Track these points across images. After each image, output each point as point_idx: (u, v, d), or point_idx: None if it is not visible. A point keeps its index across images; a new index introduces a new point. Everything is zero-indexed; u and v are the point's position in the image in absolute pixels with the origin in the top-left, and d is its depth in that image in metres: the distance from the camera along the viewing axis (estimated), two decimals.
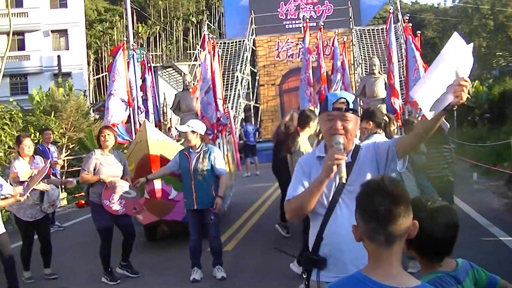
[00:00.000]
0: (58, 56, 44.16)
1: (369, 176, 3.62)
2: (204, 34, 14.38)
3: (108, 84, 13.50)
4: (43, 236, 9.33)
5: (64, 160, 24.01)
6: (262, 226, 12.04)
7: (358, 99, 18.45)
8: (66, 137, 25.15)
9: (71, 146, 25.04)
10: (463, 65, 3.32)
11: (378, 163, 3.76)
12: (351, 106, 3.74)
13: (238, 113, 30.33)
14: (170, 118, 28.19)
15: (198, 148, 8.63)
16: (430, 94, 3.35)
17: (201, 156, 8.62)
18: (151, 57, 17.79)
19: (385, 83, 15.21)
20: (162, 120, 20.64)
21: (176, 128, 8.83)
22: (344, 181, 3.53)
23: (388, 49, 14.04)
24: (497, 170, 16.65)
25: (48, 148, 13.85)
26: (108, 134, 8.84)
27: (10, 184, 8.26)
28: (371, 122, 7.11)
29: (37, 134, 23.38)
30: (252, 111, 33.54)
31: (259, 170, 22.43)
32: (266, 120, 33.03)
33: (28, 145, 9.14)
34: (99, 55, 59.67)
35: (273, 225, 11.01)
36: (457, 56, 3.37)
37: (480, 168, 18.08)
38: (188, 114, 15.31)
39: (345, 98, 3.74)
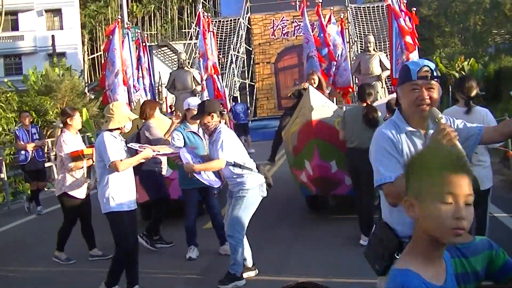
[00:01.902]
0: (52, 36, 43.92)
1: None
2: (199, 13, 14.32)
3: (107, 63, 13.37)
4: (87, 216, 9.18)
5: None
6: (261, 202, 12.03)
7: (353, 76, 18.48)
8: None
9: None
10: None
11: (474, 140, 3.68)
12: (435, 73, 3.58)
13: (234, 92, 30.27)
14: (166, 97, 28.18)
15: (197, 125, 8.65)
16: None
17: (201, 132, 8.66)
18: (146, 36, 17.69)
19: (380, 60, 15.18)
20: (157, 99, 20.64)
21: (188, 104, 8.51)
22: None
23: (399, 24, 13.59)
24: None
25: (28, 131, 13.76)
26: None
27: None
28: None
29: (33, 113, 23.43)
30: (248, 89, 33.48)
31: (253, 148, 22.40)
32: (262, 98, 33.01)
33: (78, 117, 9.09)
34: (94, 34, 59.37)
35: (266, 203, 11.07)
36: None
37: None
38: (183, 92, 15.29)
39: (428, 66, 3.57)
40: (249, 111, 26.98)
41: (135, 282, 6.94)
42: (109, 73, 13.11)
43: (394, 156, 3.57)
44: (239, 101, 28.19)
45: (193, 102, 8.71)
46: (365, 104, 8.70)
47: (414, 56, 11.96)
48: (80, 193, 8.86)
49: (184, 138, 8.37)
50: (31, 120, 15.04)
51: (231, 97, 28.38)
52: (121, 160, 6.73)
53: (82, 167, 8.80)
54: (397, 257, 3.36)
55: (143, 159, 7.04)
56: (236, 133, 8.75)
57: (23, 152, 13.56)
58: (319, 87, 11.27)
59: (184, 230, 8.74)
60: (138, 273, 7.04)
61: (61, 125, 8.86)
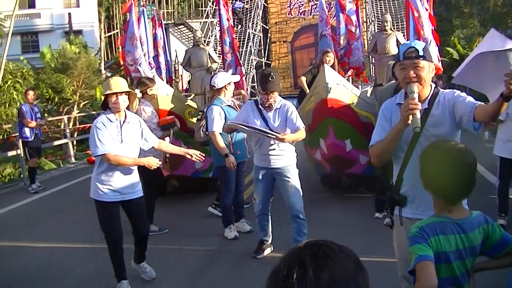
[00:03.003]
0: (69, 14, 43.94)
1: (447, 125, 3.93)
2: None
3: (127, 38, 13.28)
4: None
5: (75, 117, 24.16)
6: None
7: (370, 56, 18.36)
8: (78, 94, 25.22)
9: (82, 104, 25.09)
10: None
11: (455, 116, 3.93)
12: (420, 53, 3.93)
13: (250, 70, 30.21)
14: (181, 75, 28.14)
15: (230, 99, 8.69)
16: (472, 78, 3.56)
17: (237, 105, 8.74)
18: (162, 13, 17.66)
19: (397, 40, 15.07)
20: (173, 77, 20.60)
21: (218, 79, 8.45)
22: (418, 130, 3.72)
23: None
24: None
25: (32, 108, 13.85)
26: None
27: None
28: None
29: (49, 90, 23.53)
30: (264, 68, 33.37)
31: None
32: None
33: (156, 88, 9.42)
34: (110, 12, 59.20)
35: None
36: (499, 48, 3.50)
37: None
38: (199, 70, 15.25)
39: (414, 47, 3.95)
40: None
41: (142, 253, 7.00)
42: (133, 47, 13.03)
43: (382, 124, 4.16)
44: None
45: (231, 78, 8.77)
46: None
47: (428, 37, 11.90)
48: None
49: (225, 113, 8.33)
50: (36, 97, 15.06)
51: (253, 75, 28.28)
52: (115, 154, 6.27)
53: (169, 135, 9.07)
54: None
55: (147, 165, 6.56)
56: None
57: (27, 129, 13.66)
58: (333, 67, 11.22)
59: (221, 208, 8.81)
60: (145, 246, 6.93)
61: (140, 95, 8.84)
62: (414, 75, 3.92)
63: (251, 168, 7.77)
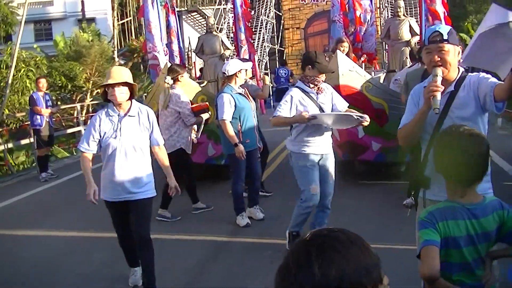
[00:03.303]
0: (82, 1, 43.94)
1: (472, 107, 3.99)
2: None
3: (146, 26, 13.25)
4: (190, 170, 9.48)
5: (88, 105, 24.22)
6: (286, 167, 12.02)
7: (383, 42, 18.26)
8: (91, 82, 25.27)
9: (95, 91, 25.14)
10: None
11: (480, 97, 3.99)
12: (445, 37, 3.99)
13: (263, 57, 30.16)
14: (194, 62, 28.13)
15: (241, 87, 8.63)
16: (480, 57, 3.58)
17: (248, 93, 8.67)
18: (174, 1, 17.61)
19: (410, 26, 15.00)
20: (187, 64, 20.59)
21: (229, 66, 8.42)
22: (437, 112, 3.83)
23: None
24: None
25: (43, 97, 13.89)
26: None
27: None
28: None
29: (62, 78, 23.58)
30: (277, 54, 33.31)
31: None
32: (291, 64, 32.78)
33: (186, 74, 9.65)
34: (123, 0, 59.34)
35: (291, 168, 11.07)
36: (502, 24, 3.51)
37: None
38: (212, 57, 15.25)
39: (438, 31, 4.01)
40: (292, 76, 26.70)
41: (148, 275, 6.14)
42: (151, 35, 12.99)
43: (410, 108, 4.24)
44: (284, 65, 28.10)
45: (243, 65, 8.71)
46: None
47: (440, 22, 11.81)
48: (189, 148, 9.15)
49: (234, 101, 8.29)
50: (48, 86, 15.09)
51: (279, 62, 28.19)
52: (88, 154, 6.02)
53: (201, 121, 9.22)
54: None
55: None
56: (276, 97, 8.89)
57: (38, 116, 13.70)
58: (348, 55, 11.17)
59: (233, 196, 8.75)
60: (150, 260, 6.12)
61: (171, 82, 9.03)
62: (439, 58, 3.98)
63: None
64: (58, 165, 15.92)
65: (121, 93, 5.82)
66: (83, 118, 22.08)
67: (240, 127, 8.31)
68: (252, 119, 8.47)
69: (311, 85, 6.89)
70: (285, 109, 6.89)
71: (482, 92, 3.94)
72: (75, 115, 22.25)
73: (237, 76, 8.41)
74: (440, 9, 12.14)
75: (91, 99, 25.23)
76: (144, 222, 6.10)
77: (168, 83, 8.98)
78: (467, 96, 4.01)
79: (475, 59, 3.74)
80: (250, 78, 10.35)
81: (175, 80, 9.11)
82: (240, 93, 8.42)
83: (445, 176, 3.15)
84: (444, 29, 4.07)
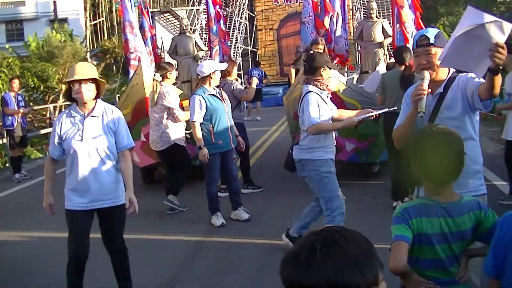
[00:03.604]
0: (54, 2, 43.60)
1: (459, 107, 4.13)
2: None
3: (126, 26, 13.25)
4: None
5: (61, 106, 24.09)
6: (260, 169, 12.11)
7: (356, 43, 18.41)
8: (63, 82, 25.12)
9: None
10: (495, 32, 3.54)
11: (468, 97, 4.11)
12: (432, 40, 4.15)
13: (236, 58, 30.19)
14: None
15: (216, 87, 8.63)
16: (457, 59, 3.71)
17: (224, 95, 8.71)
18: (148, 1, 17.61)
19: (383, 28, 15.15)
20: None
21: (204, 68, 8.45)
22: (421, 115, 3.98)
23: None
24: (493, 116, 16.59)
25: (15, 97, 13.85)
26: None
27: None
28: None
29: (35, 79, 23.43)
30: (250, 56, 33.39)
31: (259, 116, 22.21)
32: (264, 65, 32.89)
33: (175, 72, 9.76)
34: (96, 0, 59.00)
35: (268, 168, 11.19)
36: (478, 26, 3.63)
37: None
38: (185, 58, 15.30)
39: (425, 35, 4.18)
40: (266, 77, 26.70)
41: (128, 283, 5.88)
42: (132, 35, 13.04)
43: (404, 109, 4.38)
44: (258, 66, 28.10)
45: (218, 66, 8.77)
46: (403, 67, 8.62)
47: (410, 25, 12.05)
48: (181, 141, 9.32)
49: (205, 102, 8.31)
50: (21, 86, 15.03)
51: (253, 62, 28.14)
52: (53, 159, 5.60)
53: None
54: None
55: None
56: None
57: (10, 117, 13.66)
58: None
59: (207, 196, 8.76)
60: (127, 268, 5.86)
61: (160, 79, 9.19)
62: (426, 61, 4.15)
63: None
64: (32, 166, 15.83)
65: (88, 91, 5.31)
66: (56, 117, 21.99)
67: (212, 128, 8.33)
68: (225, 120, 8.48)
69: (325, 88, 6.64)
70: (323, 115, 6.43)
71: (469, 91, 4.06)
72: (48, 115, 22.12)
73: (211, 78, 8.40)
74: (408, 13, 12.35)
75: (64, 100, 25.08)
76: (119, 231, 5.68)
77: (157, 80, 9.12)
78: (455, 96, 4.14)
79: (452, 61, 3.86)
80: (235, 79, 10.41)
81: (164, 77, 9.27)
82: (213, 94, 8.43)
83: (421, 176, 3.22)
84: (432, 33, 4.22)
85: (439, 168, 3.08)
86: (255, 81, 10.57)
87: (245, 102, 23.86)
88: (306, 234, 1.70)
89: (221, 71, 8.82)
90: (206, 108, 8.28)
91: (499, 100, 8.92)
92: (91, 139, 5.37)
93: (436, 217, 3.09)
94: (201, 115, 8.26)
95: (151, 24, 17.20)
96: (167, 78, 9.36)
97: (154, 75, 9.17)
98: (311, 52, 8.00)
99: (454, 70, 4.30)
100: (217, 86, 8.65)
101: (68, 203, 5.49)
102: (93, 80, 5.36)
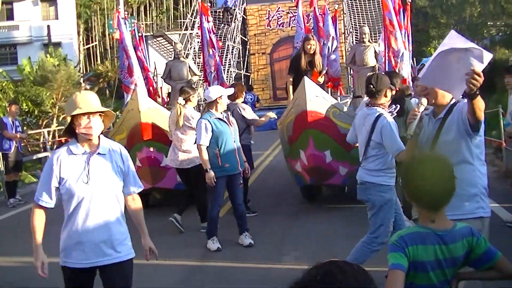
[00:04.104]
0: (48, 26, 43.92)
1: (454, 131, 4.36)
2: (199, 1, 14.41)
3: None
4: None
5: (55, 130, 24.10)
6: (255, 192, 12.14)
7: (348, 67, 18.54)
8: (57, 107, 25.16)
9: (62, 117, 25.03)
10: (474, 59, 3.71)
11: (463, 121, 4.29)
12: None
13: (229, 82, 30.32)
14: (161, 87, 28.15)
15: (224, 112, 8.72)
16: (437, 77, 3.90)
17: (231, 119, 8.78)
18: (141, 26, 17.74)
19: (375, 52, 15.27)
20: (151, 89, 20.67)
21: (210, 93, 8.61)
22: (409, 137, 4.34)
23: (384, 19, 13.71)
24: (485, 138, 16.69)
25: (13, 122, 13.92)
26: None
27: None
28: None
29: (29, 103, 23.47)
30: (243, 80, 33.54)
31: (253, 140, 22.19)
32: (257, 89, 33.00)
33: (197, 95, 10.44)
34: (89, 24, 59.15)
35: (262, 192, 11.24)
36: (460, 50, 3.75)
37: None
38: (180, 83, 15.32)
39: (424, 64, 4.32)
40: (257, 101, 26.75)
41: None
42: (132, 61, 13.24)
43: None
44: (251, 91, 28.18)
45: (224, 91, 8.84)
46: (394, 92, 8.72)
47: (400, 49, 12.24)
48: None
49: (211, 126, 8.42)
50: (18, 112, 15.07)
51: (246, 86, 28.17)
52: (42, 206, 4.67)
53: None
54: None
55: None
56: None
57: (8, 141, 13.71)
58: (314, 56, 11.41)
59: (207, 219, 8.83)
60: None
61: (183, 102, 9.65)
62: (425, 88, 4.44)
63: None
64: (25, 190, 15.81)
65: (98, 125, 4.52)
66: (50, 143, 22.01)
67: (218, 151, 8.43)
68: (232, 143, 8.54)
69: (387, 110, 6.53)
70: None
71: (464, 116, 4.24)
72: (42, 140, 22.15)
73: (218, 102, 8.52)
74: (399, 37, 12.52)
75: (57, 124, 25.11)
76: None
77: (180, 104, 9.53)
78: (452, 120, 4.33)
79: (431, 79, 4.02)
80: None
81: (187, 100, 9.71)
82: (219, 119, 8.53)
83: (415, 201, 3.26)
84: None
85: (429, 194, 3.12)
86: (272, 115, 10.68)
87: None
88: (316, 264, 1.79)
89: (229, 95, 8.98)
90: (212, 131, 8.40)
91: (509, 123, 9.00)
92: (98, 182, 4.52)
93: (431, 245, 3.13)
94: (207, 138, 8.39)
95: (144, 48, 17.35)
96: (190, 101, 9.80)
97: (178, 98, 9.54)
98: (373, 73, 7.82)
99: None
100: (225, 110, 8.75)
101: (66, 260, 4.69)
102: (100, 113, 4.57)
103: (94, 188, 4.49)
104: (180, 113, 9.48)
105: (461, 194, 3.67)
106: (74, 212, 4.54)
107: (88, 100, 4.50)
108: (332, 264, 1.78)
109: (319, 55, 11.75)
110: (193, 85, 14.59)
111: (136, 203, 4.91)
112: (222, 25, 33.23)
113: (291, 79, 11.60)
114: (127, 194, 4.79)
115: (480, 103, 3.93)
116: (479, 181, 4.35)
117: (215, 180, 8.36)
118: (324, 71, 12.47)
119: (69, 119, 4.50)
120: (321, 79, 11.54)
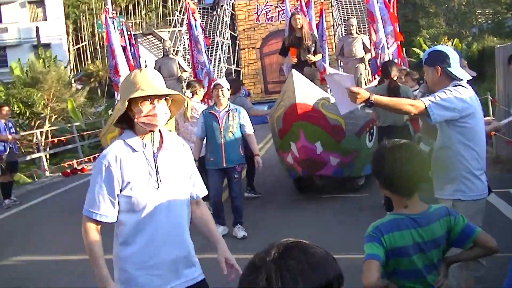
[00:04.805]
0: (37, 27, 43.79)
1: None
2: (186, 3, 14.40)
3: (113, 50, 13.49)
4: None
5: (47, 131, 24.14)
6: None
7: (337, 59, 18.61)
8: (49, 108, 25.20)
9: (54, 117, 25.06)
10: (346, 81, 4.47)
11: None
12: (423, 60, 4.78)
13: (220, 77, 30.37)
14: None
15: (226, 107, 8.81)
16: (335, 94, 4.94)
17: (231, 114, 8.81)
18: (131, 24, 17.78)
19: (363, 43, 15.34)
20: None
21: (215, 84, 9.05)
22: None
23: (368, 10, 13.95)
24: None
25: (6, 124, 13.94)
26: None
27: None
28: None
29: (20, 105, 23.49)
30: (234, 75, 33.58)
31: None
32: (248, 83, 32.99)
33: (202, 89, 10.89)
34: (78, 24, 59.02)
35: (255, 185, 11.34)
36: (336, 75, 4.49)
37: None
38: (169, 80, 15.39)
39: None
40: (249, 96, 26.82)
41: None
42: (122, 60, 13.36)
43: None
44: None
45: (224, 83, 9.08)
46: (389, 80, 8.98)
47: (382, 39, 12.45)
48: None
49: (202, 118, 8.87)
50: (9, 114, 15.08)
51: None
52: (101, 222, 3.44)
53: None
54: None
55: None
56: None
57: (1, 143, 13.73)
58: (302, 30, 11.42)
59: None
60: None
61: (191, 95, 10.39)
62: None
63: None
64: (20, 191, 15.81)
65: (165, 113, 3.48)
66: (43, 144, 22.05)
67: (206, 144, 8.89)
68: (218, 138, 8.65)
69: None
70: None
71: None
72: (34, 141, 22.18)
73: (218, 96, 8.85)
74: (380, 28, 12.81)
75: (49, 125, 25.15)
76: None
77: (188, 97, 10.02)
78: None
79: (335, 95, 4.85)
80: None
81: (194, 93, 10.44)
82: (211, 113, 8.78)
83: (387, 188, 3.30)
84: (425, 53, 4.84)
85: (399, 179, 3.19)
86: (264, 112, 11.07)
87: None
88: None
89: (228, 89, 9.07)
90: (204, 124, 8.78)
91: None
92: (170, 186, 3.54)
93: (407, 229, 3.18)
94: (198, 129, 8.85)
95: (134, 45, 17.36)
96: (196, 94, 10.48)
97: (185, 92, 9.84)
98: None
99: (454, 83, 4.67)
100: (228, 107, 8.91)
101: None
102: (166, 96, 3.51)
103: (166, 194, 3.50)
104: (187, 106, 9.85)
105: (441, 177, 3.98)
106: (142, 227, 3.47)
107: (151, 80, 3.44)
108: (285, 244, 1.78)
109: (307, 29, 11.73)
110: (183, 82, 14.71)
111: (203, 208, 3.94)
112: (210, 19, 33.25)
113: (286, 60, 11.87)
114: (191, 198, 3.77)
115: (387, 105, 4.47)
116: (459, 165, 4.45)
117: (209, 170, 8.78)
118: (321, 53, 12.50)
119: (126, 104, 3.43)
120: (319, 57, 11.69)
